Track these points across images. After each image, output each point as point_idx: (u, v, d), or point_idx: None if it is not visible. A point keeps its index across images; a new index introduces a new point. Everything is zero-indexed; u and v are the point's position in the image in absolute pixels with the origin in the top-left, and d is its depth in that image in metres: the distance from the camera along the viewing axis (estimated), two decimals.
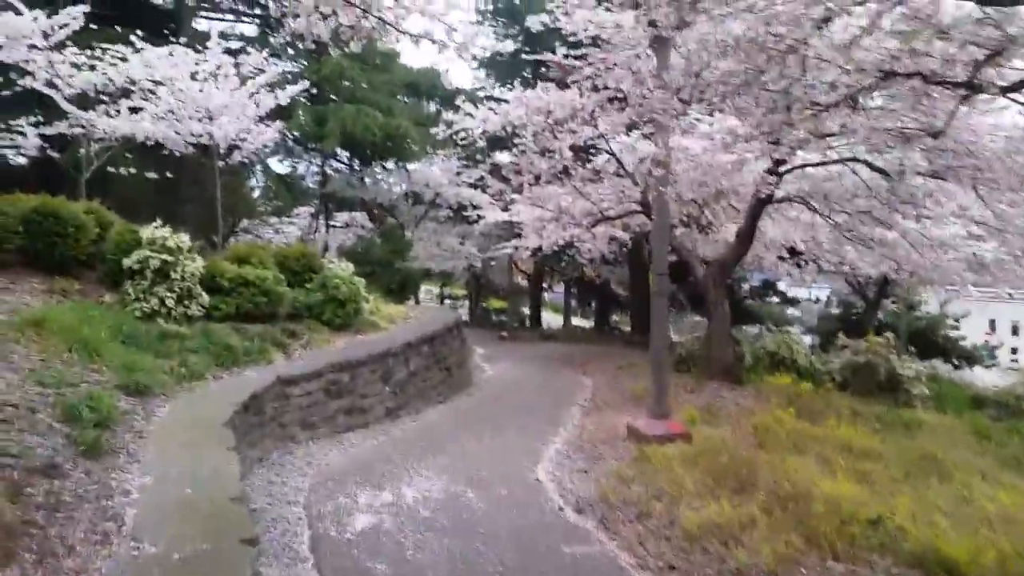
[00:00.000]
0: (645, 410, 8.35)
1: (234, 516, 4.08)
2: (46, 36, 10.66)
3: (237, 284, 8.80)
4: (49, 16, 10.67)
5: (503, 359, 15.18)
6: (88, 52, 11.24)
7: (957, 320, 23.68)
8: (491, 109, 12.46)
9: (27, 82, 11.02)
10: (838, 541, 4.77)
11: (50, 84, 11.13)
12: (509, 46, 12.06)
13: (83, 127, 11.73)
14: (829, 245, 13.08)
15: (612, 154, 12.11)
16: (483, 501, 5.95)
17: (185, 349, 7.39)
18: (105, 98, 11.69)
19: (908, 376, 11.08)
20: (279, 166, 25.13)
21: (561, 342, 19.77)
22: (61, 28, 10.85)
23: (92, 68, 11.25)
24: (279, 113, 13.47)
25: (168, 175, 14.82)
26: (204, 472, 4.60)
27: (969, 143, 7.68)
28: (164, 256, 8.10)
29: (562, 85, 10.53)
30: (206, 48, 12.00)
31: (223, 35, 13.78)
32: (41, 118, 12.28)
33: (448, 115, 12.96)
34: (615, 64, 8.44)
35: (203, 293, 8.42)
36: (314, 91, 20.87)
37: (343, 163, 24.53)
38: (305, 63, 21.35)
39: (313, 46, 14.85)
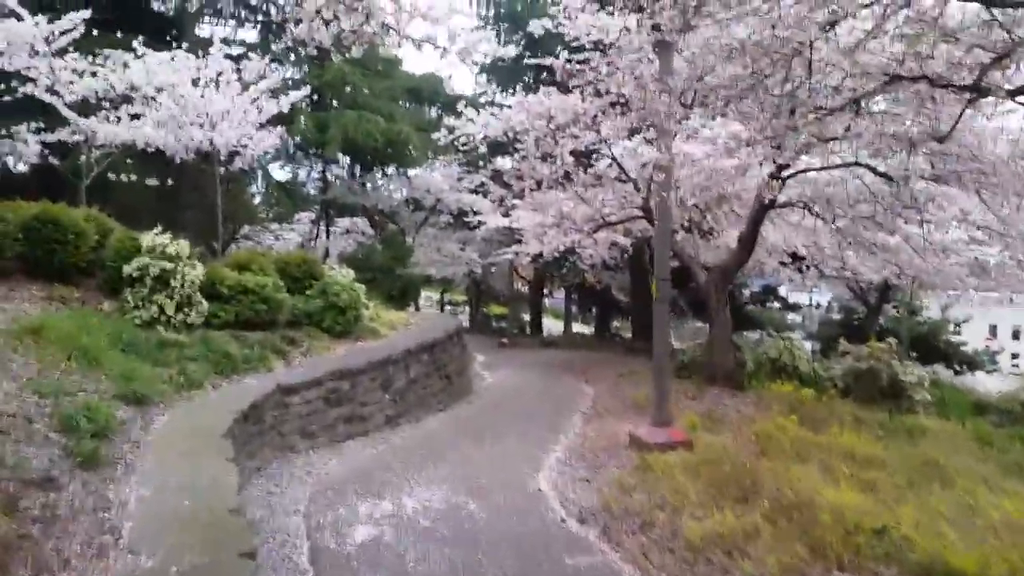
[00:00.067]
0: (647, 417, 8.29)
1: (233, 528, 4.02)
2: (47, 42, 10.63)
3: (237, 291, 8.75)
4: (51, 22, 10.65)
5: (503, 366, 15.12)
6: (90, 58, 11.23)
7: (958, 325, 23.66)
8: (492, 114, 12.45)
9: (28, 89, 11.00)
10: (843, 551, 4.71)
11: (51, 91, 11.10)
12: (511, 51, 12.07)
13: (84, 134, 11.70)
14: (831, 250, 13.06)
15: (614, 159, 12.07)
16: (484, 511, 5.89)
17: (184, 357, 7.33)
18: (106, 104, 11.66)
19: (911, 382, 11.02)
20: (280, 172, 25.18)
21: (562, 348, 19.71)
22: (63, 34, 10.83)
23: (93, 74, 11.23)
24: (280, 119, 13.43)
25: (169, 182, 14.83)
26: (202, 483, 4.54)
27: (973, 147, 7.65)
28: (164, 263, 8.06)
29: (564, 90, 10.50)
30: (208, 54, 11.97)
31: (225, 41, 13.72)
32: (42, 125, 12.27)
33: (449, 120, 12.95)
34: (617, 68, 8.41)
35: (203, 301, 8.37)
36: (315, 97, 20.93)
37: (344, 169, 24.53)
38: (307, 69, 21.36)
39: (315, 52, 14.90)
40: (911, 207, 10.19)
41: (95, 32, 11.76)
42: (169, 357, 7.21)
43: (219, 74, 11.94)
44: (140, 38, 11.63)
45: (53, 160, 12.73)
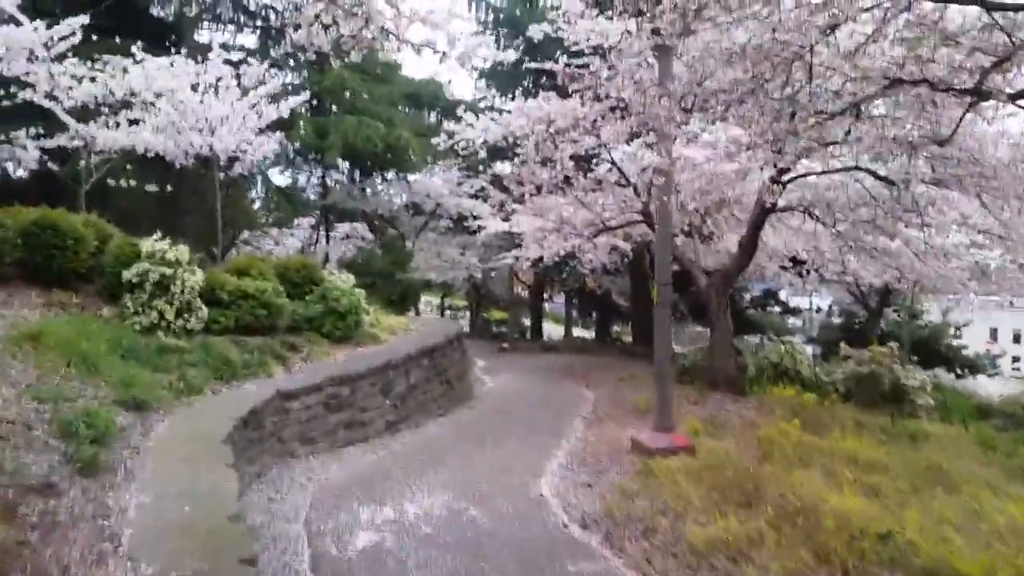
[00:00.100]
0: (648, 422, 8.27)
1: (233, 535, 4.00)
2: (47, 47, 10.62)
3: (237, 297, 8.73)
4: (49, 27, 10.64)
5: (504, 371, 15.09)
6: (89, 64, 11.22)
7: (959, 329, 23.65)
8: (492, 119, 12.44)
9: (27, 94, 10.99)
10: (848, 556, 4.68)
11: (50, 96, 11.09)
12: (510, 56, 12.07)
13: (83, 139, 11.69)
14: (831, 254, 13.03)
15: (614, 164, 12.07)
16: (486, 517, 5.86)
17: (184, 363, 7.31)
18: (105, 110, 11.65)
19: (912, 386, 11.01)
20: (280, 177, 25.19)
21: (562, 353, 19.68)
22: (61, 39, 10.80)
23: (93, 80, 11.21)
24: (280, 124, 13.42)
25: (168, 187, 14.77)
26: (202, 489, 4.52)
27: (974, 151, 7.64)
28: (163, 269, 8.03)
29: (563, 94, 10.50)
30: (207, 59, 11.96)
31: (224, 46, 13.70)
32: (41, 130, 12.25)
33: (449, 125, 12.93)
34: (617, 73, 8.41)
35: (203, 306, 8.34)
36: (315, 102, 20.93)
37: (344, 174, 24.53)
38: (306, 74, 21.38)
39: (314, 57, 14.91)
40: (912, 211, 10.16)
41: (94, 37, 11.79)
42: (169, 363, 7.19)
43: (218, 79, 11.93)
44: (139, 43, 11.60)
45: (52, 166, 12.70)
